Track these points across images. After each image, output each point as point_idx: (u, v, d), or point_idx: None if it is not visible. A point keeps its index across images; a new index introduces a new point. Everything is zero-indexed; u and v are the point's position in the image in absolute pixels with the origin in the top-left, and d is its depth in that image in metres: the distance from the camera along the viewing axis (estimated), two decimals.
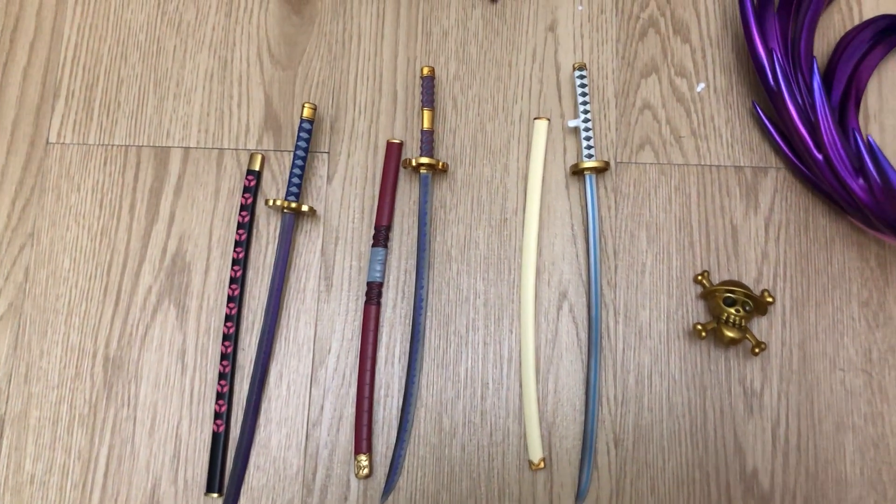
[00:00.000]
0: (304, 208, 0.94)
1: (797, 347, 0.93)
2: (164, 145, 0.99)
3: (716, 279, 0.94)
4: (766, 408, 0.91)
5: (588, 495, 0.89)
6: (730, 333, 0.89)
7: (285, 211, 0.94)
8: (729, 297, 0.91)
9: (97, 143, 0.99)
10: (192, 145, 0.99)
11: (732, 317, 0.89)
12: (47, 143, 1.00)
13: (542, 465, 0.89)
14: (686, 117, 0.99)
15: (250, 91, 1.01)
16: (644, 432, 0.91)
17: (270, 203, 0.93)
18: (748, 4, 0.94)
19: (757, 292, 0.93)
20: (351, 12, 1.03)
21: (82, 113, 1.00)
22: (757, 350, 0.88)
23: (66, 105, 1.01)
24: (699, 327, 0.89)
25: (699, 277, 0.94)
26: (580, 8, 1.02)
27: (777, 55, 0.92)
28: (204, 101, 1.01)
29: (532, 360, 0.91)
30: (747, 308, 0.90)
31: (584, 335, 0.93)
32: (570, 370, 0.92)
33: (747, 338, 0.89)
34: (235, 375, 0.93)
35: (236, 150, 0.99)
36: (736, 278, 0.94)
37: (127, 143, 0.99)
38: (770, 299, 0.91)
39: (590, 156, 0.95)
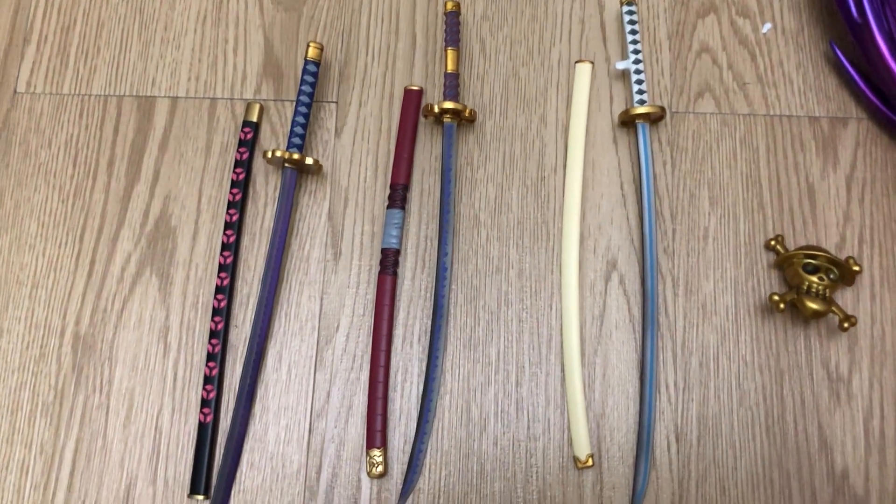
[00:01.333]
0: (309, 161, 0.80)
1: (890, 325, 0.78)
2: (148, 95, 0.86)
3: (791, 245, 0.80)
4: (855, 396, 0.76)
5: (646, 499, 0.74)
6: (813, 305, 0.74)
7: (286, 165, 0.80)
8: (810, 263, 0.76)
9: (72, 92, 0.87)
10: (180, 95, 0.86)
11: (815, 286, 0.75)
12: (15, 92, 0.87)
13: (589, 462, 0.75)
14: (751, 62, 0.86)
15: (248, 34, 0.88)
16: (711, 425, 0.76)
17: (269, 155, 0.79)
18: None
19: (841, 259, 0.79)
20: None
21: (56, 59, 0.88)
22: (846, 325, 0.74)
23: (37, 51, 0.88)
24: (776, 298, 0.75)
25: (772, 243, 0.80)
26: None
27: None
28: (195, 46, 0.88)
29: (576, 341, 0.77)
30: (832, 276, 0.76)
31: (637, 311, 0.79)
32: (622, 352, 0.78)
33: (833, 311, 0.75)
34: (227, 357, 0.79)
35: (231, 99, 0.86)
36: (814, 244, 0.80)
37: (106, 93, 0.86)
38: (857, 268, 0.77)
39: (642, 101, 0.81)
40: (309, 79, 0.82)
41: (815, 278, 0.76)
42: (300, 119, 0.81)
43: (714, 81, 0.85)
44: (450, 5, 0.83)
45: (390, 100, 0.85)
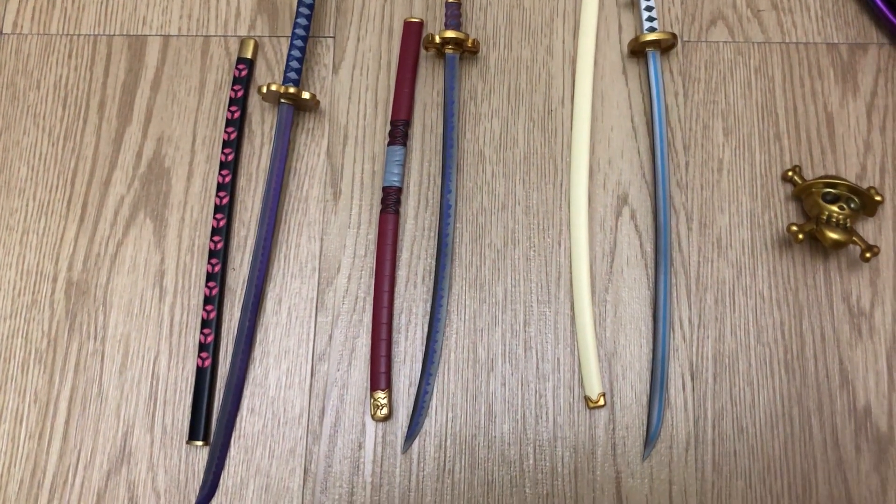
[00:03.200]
0: (306, 96, 0.77)
1: None
2: (139, 34, 0.83)
3: (809, 177, 0.77)
4: (877, 330, 0.73)
5: (660, 439, 0.71)
6: (833, 235, 0.71)
7: (282, 101, 0.77)
8: (830, 192, 0.73)
9: (60, 32, 0.83)
10: (172, 33, 0.83)
11: (835, 215, 0.72)
12: (1, 33, 0.84)
13: (601, 402, 0.72)
14: None
15: None
16: (727, 362, 0.73)
17: (264, 90, 0.76)
18: None
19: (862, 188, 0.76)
20: None
21: None
22: (868, 255, 0.71)
23: None
24: (794, 229, 0.72)
25: (789, 174, 0.76)
26: None
27: None
28: None
29: (586, 278, 0.74)
30: (852, 206, 0.73)
31: (649, 247, 0.76)
32: (634, 288, 0.75)
33: (854, 241, 0.72)
34: (224, 300, 0.76)
35: (224, 36, 0.83)
36: (834, 174, 0.77)
37: (96, 33, 0.83)
38: (879, 198, 0.74)
39: (652, 28, 0.78)
40: (304, 11, 0.78)
41: (835, 207, 0.72)
42: (296, 53, 0.78)
43: (727, 8, 0.81)
44: None
45: (389, 33, 0.82)
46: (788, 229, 0.72)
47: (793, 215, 0.76)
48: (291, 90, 0.76)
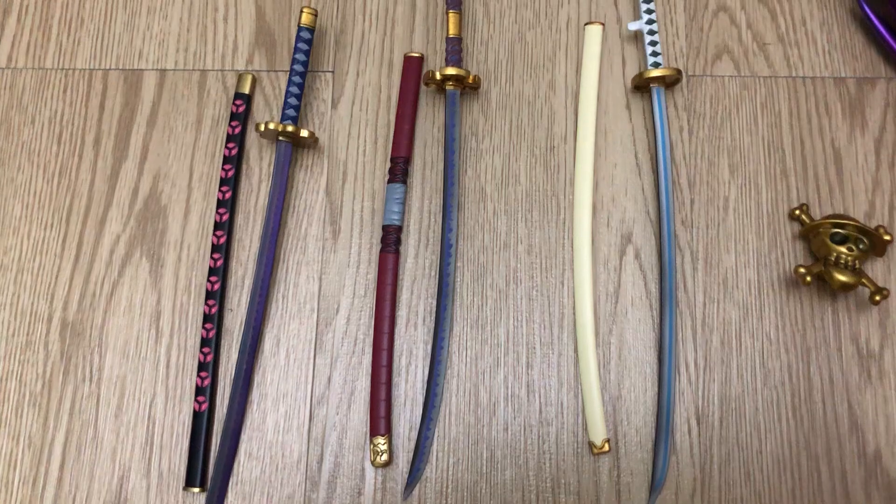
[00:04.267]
0: (304, 134, 0.76)
1: None
2: (135, 68, 0.82)
3: (816, 215, 0.75)
4: (887, 373, 0.72)
5: (666, 485, 0.70)
6: (842, 277, 0.70)
7: (280, 138, 0.76)
8: (838, 232, 0.72)
9: (56, 66, 0.82)
10: (168, 67, 0.82)
11: (844, 256, 0.70)
12: None
13: (605, 447, 0.71)
14: (771, 20, 0.81)
15: (239, 2, 0.83)
16: (734, 406, 0.72)
17: (262, 128, 0.75)
18: None
19: (871, 227, 0.74)
20: None
21: (38, 32, 0.83)
22: (878, 297, 0.69)
23: (18, 23, 0.84)
24: (802, 271, 0.70)
25: (796, 212, 0.75)
26: None
27: None
28: (183, 15, 0.83)
29: (590, 319, 0.73)
30: (861, 246, 0.71)
31: (654, 287, 0.74)
32: (639, 330, 0.73)
33: (863, 283, 0.70)
34: (222, 342, 0.75)
35: (222, 71, 0.81)
36: (842, 213, 0.75)
37: (91, 67, 0.82)
38: (888, 237, 0.72)
39: (656, 64, 0.76)
40: (303, 46, 0.77)
41: (843, 248, 0.71)
42: (294, 90, 0.76)
43: (732, 42, 0.80)
44: None
45: (389, 68, 0.81)
46: (796, 271, 0.71)
47: (800, 255, 0.75)
48: (290, 128, 0.75)
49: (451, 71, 0.76)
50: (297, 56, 0.77)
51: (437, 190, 0.78)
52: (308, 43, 0.77)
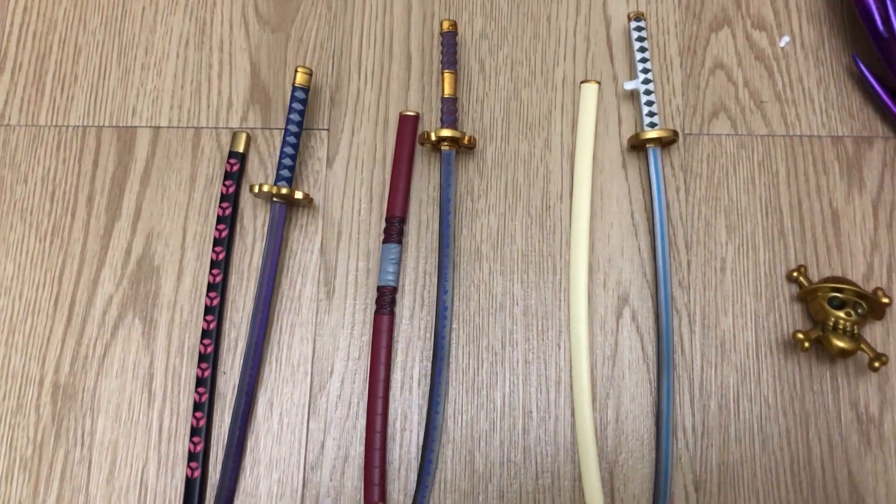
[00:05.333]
0: (299, 195, 0.75)
1: None
2: (129, 125, 0.81)
3: (814, 276, 0.75)
4: (887, 439, 0.71)
5: None
6: (840, 343, 0.69)
7: (275, 200, 0.75)
8: (836, 297, 0.71)
9: (49, 123, 0.82)
10: (162, 124, 0.81)
11: (842, 322, 0.70)
12: None
13: None
14: (768, 78, 0.80)
15: (233, 58, 0.83)
16: (732, 472, 0.71)
17: (256, 190, 0.75)
18: None
19: (869, 291, 0.74)
20: None
21: (31, 88, 0.83)
22: (877, 364, 0.69)
23: (11, 80, 0.83)
24: (800, 336, 0.70)
25: (794, 274, 0.74)
26: None
27: None
28: (177, 72, 0.83)
29: (587, 383, 0.72)
30: (859, 311, 0.71)
31: (651, 349, 0.74)
32: (636, 394, 0.73)
33: (862, 349, 0.70)
34: (215, 406, 0.74)
35: (216, 128, 0.81)
36: (840, 274, 0.75)
37: (85, 124, 0.82)
38: (886, 300, 0.72)
39: (653, 124, 0.76)
40: (297, 106, 0.77)
41: (841, 314, 0.70)
42: (289, 150, 0.76)
43: (729, 100, 0.80)
44: (446, 25, 0.78)
45: (385, 126, 0.80)
46: (794, 337, 0.70)
47: (798, 317, 0.74)
48: (284, 191, 0.74)
49: (446, 132, 0.75)
50: (292, 116, 0.76)
51: (432, 250, 0.77)
52: (303, 103, 0.77)
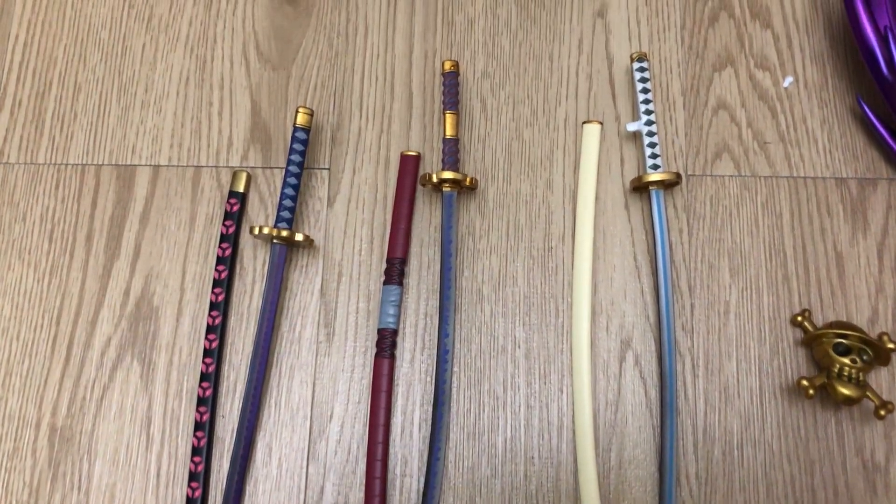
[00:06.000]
0: (299, 237, 0.75)
1: None
2: (128, 164, 0.81)
3: (818, 320, 0.74)
4: (894, 487, 0.71)
5: None
6: (845, 391, 0.68)
7: (275, 241, 0.75)
8: (841, 343, 0.71)
9: (48, 161, 0.81)
10: (162, 163, 0.81)
11: (847, 369, 0.69)
12: None
13: None
14: (772, 119, 0.80)
15: (234, 96, 0.82)
16: None
17: (257, 232, 0.74)
18: None
19: (873, 336, 0.73)
20: (356, 0, 0.84)
21: (30, 126, 0.82)
22: (882, 412, 0.68)
23: (10, 117, 0.83)
24: (805, 383, 0.69)
25: (798, 318, 0.74)
26: None
27: (893, 33, 0.73)
28: (178, 110, 0.82)
29: (589, 428, 0.72)
30: (865, 358, 0.70)
31: (654, 394, 0.73)
32: (639, 440, 0.72)
33: (868, 396, 0.69)
34: (213, 450, 0.73)
35: (216, 167, 0.80)
36: (844, 318, 0.74)
37: (84, 162, 0.81)
38: (892, 345, 0.71)
39: (655, 166, 0.75)
40: (298, 147, 0.76)
41: (846, 360, 0.70)
42: (289, 191, 0.75)
43: (732, 141, 0.79)
44: (448, 65, 0.78)
45: (386, 165, 0.80)
46: (799, 384, 0.69)
47: (802, 362, 0.73)
48: (284, 233, 0.74)
49: (448, 175, 0.75)
50: (293, 157, 0.76)
51: (433, 291, 0.76)
52: (303, 143, 0.76)
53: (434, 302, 0.76)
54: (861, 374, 0.69)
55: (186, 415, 0.74)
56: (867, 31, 0.75)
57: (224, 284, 0.76)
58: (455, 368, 0.74)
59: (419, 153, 0.79)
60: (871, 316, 0.74)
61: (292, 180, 0.76)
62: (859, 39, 0.75)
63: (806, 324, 0.73)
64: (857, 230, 0.77)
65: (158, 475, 0.73)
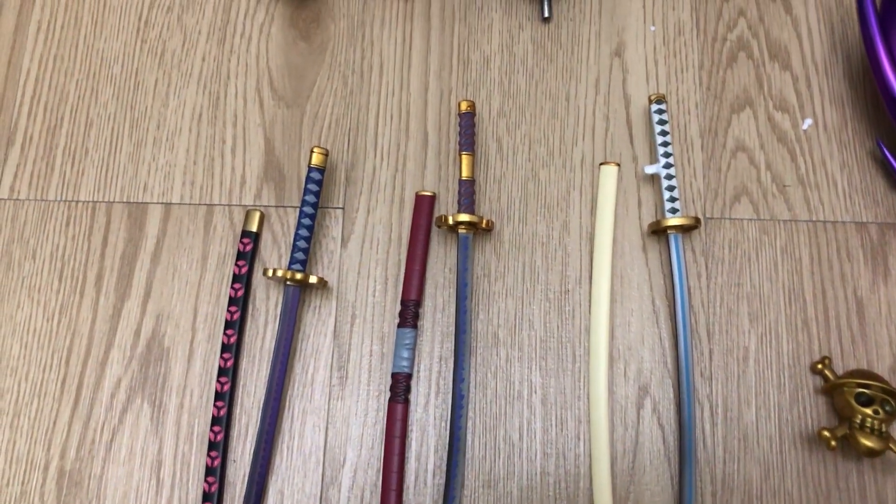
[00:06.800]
0: (313, 280, 0.74)
1: None
2: (140, 201, 0.80)
3: (839, 367, 0.73)
4: None
5: None
6: (868, 443, 0.67)
7: (288, 283, 0.74)
8: (863, 392, 0.70)
9: (59, 198, 0.80)
10: (174, 201, 0.80)
11: (869, 420, 0.68)
12: None
13: None
14: (791, 161, 0.79)
15: (247, 134, 0.82)
16: None
17: (270, 274, 0.73)
18: (871, 16, 0.74)
19: (895, 385, 0.72)
20: (371, 37, 0.84)
21: (41, 162, 0.82)
22: None
23: (21, 153, 0.82)
24: (827, 434, 0.68)
25: (819, 366, 0.73)
26: (653, 28, 0.82)
27: None
28: (190, 147, 0.82)
29: (607, 478, 0.70)
30: (887, 409, 0.69)
31: (672, 442, 0.72)
32: (657, 490, 0.71)
33: (891, 448, 0.68)
34: (224, 495, 0.72)
35: (229, 205, 0.80)
36: (865, 366, 0.73)
37: (95, 199, 0.80)
38: None
39: (674, 210, 0.75)
40: (313, 188, 0.75)
41: (869, 411, 0.69)
42: (303, 232, 0.74)
43: (751, 183, 0.78)
44: (464, 105, 0.77)
45: (401, 205, 0.79)
46: (820, 435, 0.68)
47: (823, 411, 0.72)
48: (298, 276, 0.73)
49: (464, 217, 0.74)
50: (307, 198, 0.75)
51: (447, 334, 0.75)
52: (318, 184, 0.75)
53: (449, 344, 0.75)
54: (884, 425, 0.68)
55: (197, 459, 0.73)
56: (888, 73, 0.74)
57: (236, 326, 0.75)
58: (470, 414, 0.73)
59: (434, 193, 0.78)
60: (892, 364, 0.73)
61: (306, 221, 0.75)
62: (881, 84, 0.74)
63: (826, 371, 0.72)
64: (878, 276, 0.76)
65: None
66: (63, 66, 0.84)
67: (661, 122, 0.76)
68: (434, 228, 0.78)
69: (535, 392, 0.74)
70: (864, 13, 0.75)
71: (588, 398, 0.73)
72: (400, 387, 0.73)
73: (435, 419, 0.73)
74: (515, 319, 0.76)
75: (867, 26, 0.75)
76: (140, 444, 0.74)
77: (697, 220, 0.74)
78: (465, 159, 0.76)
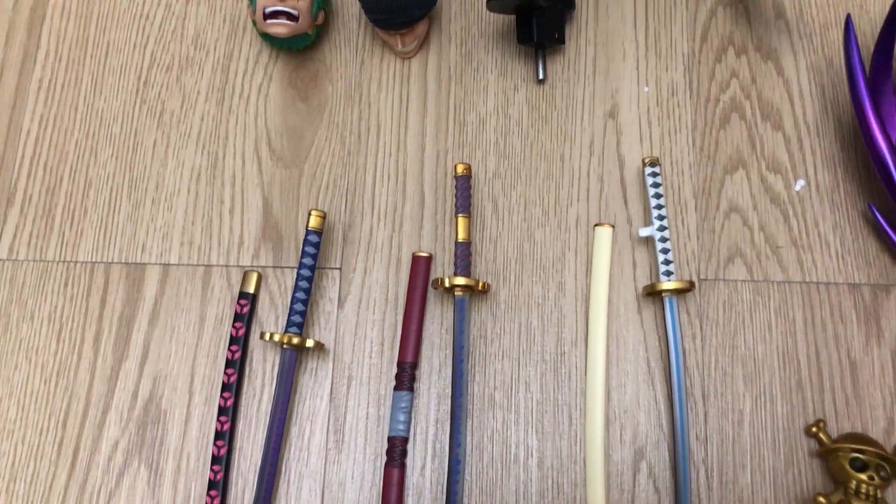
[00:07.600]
0: (310, 344, 0.74)
1: None
2: (138, 262, 0.81)
3: (833, 430, 0.74)
4: None
5: None
6: None
7: (285, 347, 0.74)
8: (858, 458, 0.70)
9: (57, 259, 0.81)
10: (172, 261, 0.80)
11: (864, 486, 0.68)
12: None
13: None
14: (784, 223, 0.80)
15: (245, 194, 0.82)
16: None
17: (268, 338, 0.73)
18: (861, 84, 0.75)
19: (889, 449, 0.73)
20: (368, 98, 0.85)
21: (40, 222, 0.82)
22: None
23: (20, 213, 0.83)
24: (822, 501, 0.68)
25: (813, 429, 0.73)
26: (646, 89, 0.84)
27: None
28: (188, 207, 0.82)
29: None
30: (882, 474, 0.69)
31: None
32: None
33: None
34: None
35: (227, 266, 0.80)
36: (859, 429, 0.74)
37: (93, 260, 0.81)
38: None
39: (668, 273, 0.75)
40: (310, 250, 0.76)
41: (864, 476, 0.69)
42: (301, 295, 0.75)
43: (745, 245, 0.79)
44: (460, 168, 0.78)
45: (397, 266, 0.80)
46: (815, 500, 0.68)
47: (817, 474, 0.73)
48: (295, 340, 0.73)
49: (460, 280, 0.75)
50: (305, 261, 0.76)
51: (444, 396, 0.76)
52: (316, 247, 0.76)
53: (445, 406, 0.75)
54: (879, 491, 0.69)
55: None
56: (878, 139, 0.75)
57: (233, 388, 0.75)
58: (466, 478, 0.74)
59: (431, 254, 0.79)
60: (886, 426, 0.74)
61: (304, 284, 0.75)
62: (870, 148, 0.75)
63: (821, 435, 0.73)
64: (871, 337, 0.76)
65: None
66: (62, 126, 0.85)
67: (655, 185, 0.77)
68: (431, 291, 0.79)
69: (532, 456, 0.74)
70: (853, 77, 0.76)
71: (584, 462, 0.73)
72: (396, 451, 0.73)
73: (431, 483, 0.74)
74: (512, 381, 0.76)
75: (856, 90, 0.76)
76: None
77: (692, 283, 0.75)
78: (462, 221, 0.77)
